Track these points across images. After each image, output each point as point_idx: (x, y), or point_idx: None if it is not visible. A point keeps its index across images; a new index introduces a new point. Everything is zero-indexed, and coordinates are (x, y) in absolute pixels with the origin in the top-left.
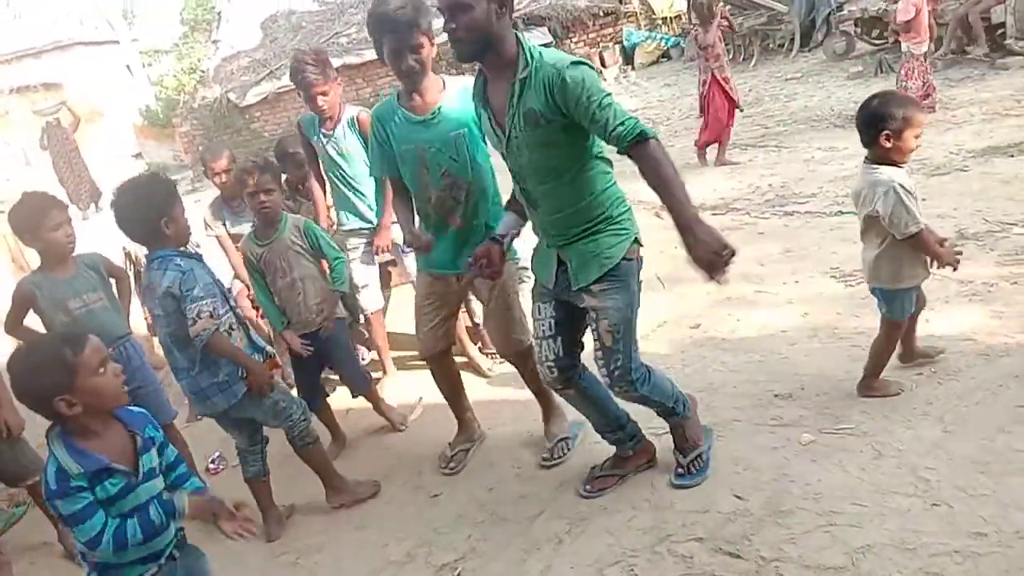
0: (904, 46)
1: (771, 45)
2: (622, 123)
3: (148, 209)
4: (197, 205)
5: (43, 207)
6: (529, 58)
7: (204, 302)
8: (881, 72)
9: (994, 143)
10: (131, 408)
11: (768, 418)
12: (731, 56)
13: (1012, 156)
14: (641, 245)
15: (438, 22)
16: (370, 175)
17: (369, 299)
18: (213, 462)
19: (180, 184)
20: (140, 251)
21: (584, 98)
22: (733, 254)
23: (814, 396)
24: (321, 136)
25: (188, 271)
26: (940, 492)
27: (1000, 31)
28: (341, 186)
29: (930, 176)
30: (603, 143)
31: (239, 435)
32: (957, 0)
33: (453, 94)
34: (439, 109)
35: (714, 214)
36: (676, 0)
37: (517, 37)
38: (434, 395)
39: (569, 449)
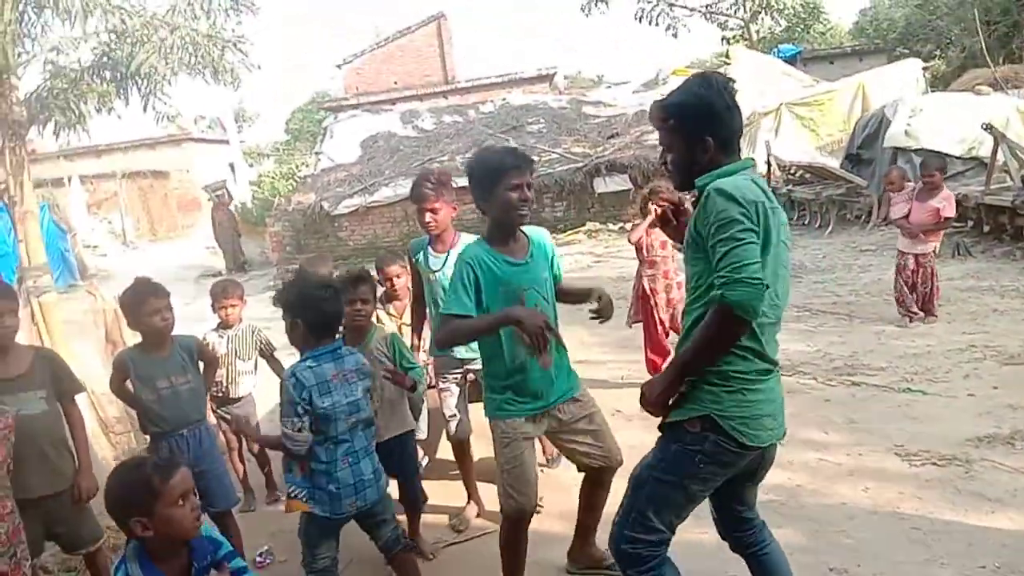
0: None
1: (848, 216)
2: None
3: None
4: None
5: (144, 293)
6: None
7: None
8: (959, 254)
9: None
10: (203, 534)
11: None
12: (807, 222)
13: None
14: (722, 428)
15: None
16: (445, 310)
17: (460, 428)
18: (261, 555)
19: (262, 280)
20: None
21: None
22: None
23: (870, 575)
24: (430, 258)
25: None
26: None
27: None
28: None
29: (1003, 364)
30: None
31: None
32: None
33: (535, 241)
34: (532, 253)
35: (781, 375)
36: (757, 162)
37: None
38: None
39: None
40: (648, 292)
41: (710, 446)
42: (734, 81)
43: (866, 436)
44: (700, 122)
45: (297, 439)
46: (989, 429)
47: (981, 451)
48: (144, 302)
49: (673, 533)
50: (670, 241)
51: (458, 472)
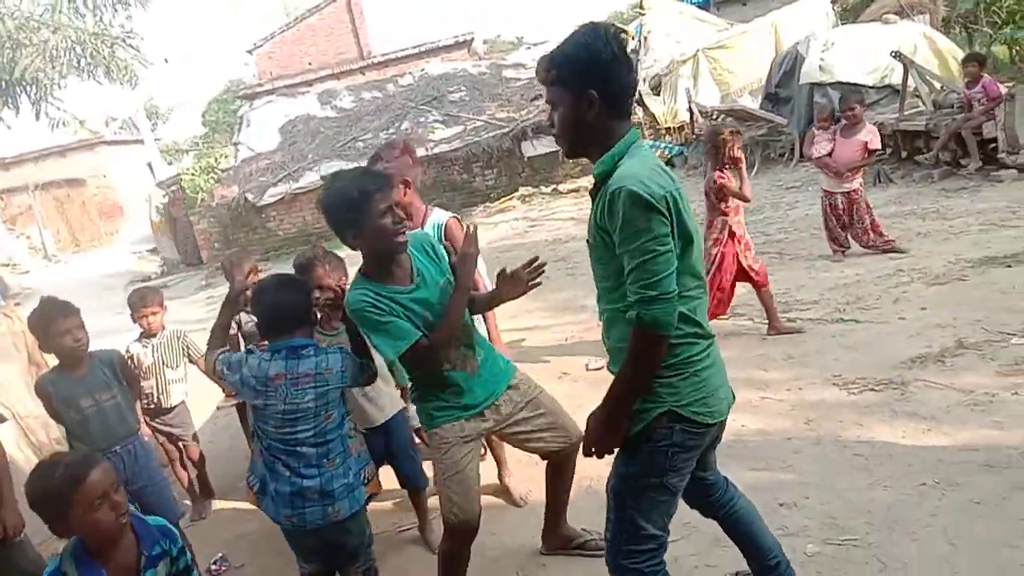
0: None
1: (772, 155)
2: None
3: None
4: (209, 301)
5: (51, 315)
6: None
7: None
8: (880, 182)
9: (991, 253)
10: (149, 520)
11: (774, 527)
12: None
13: (1010, 266)
14: (685, 417)
15: None
16: (395, 355)
17: None
18: (215, 563)
19: (195, 279)
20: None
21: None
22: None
23: (818, 505)
24: None
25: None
26: None
27: (992, 146)
28: None
29: (929, 285)
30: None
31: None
32: (950, 115)
33: (412, 250)
34: (416, 271)
35: (718, 319)
36: (679, 110)
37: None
38: None
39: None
40: (737, 240)
41: (679, 436)
42: (625, 32)
43: (805, 370)
44: (585, 74)
45: (223, 374)
46: (920, 350)
47: (914, 372)
48: (51, 323)
49: (667, 533)
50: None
51: None
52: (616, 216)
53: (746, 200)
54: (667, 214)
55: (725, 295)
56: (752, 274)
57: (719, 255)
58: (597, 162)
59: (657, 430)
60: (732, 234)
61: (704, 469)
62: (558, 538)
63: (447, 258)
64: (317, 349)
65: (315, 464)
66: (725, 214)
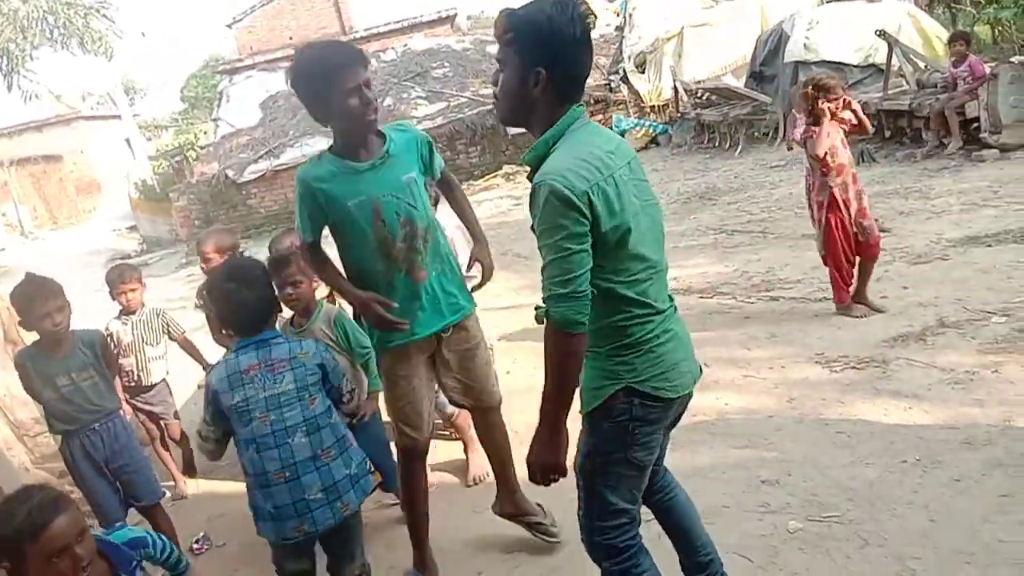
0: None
1: (756, 134)
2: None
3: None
4: (190, 279)
5: (33, 296)
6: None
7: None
8: (863, 161)
9: (973, 233)
10: (114, 539)
11: (756, 504)
12: (716, 144)
13: (990, 246)
14: (643, 392)
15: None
16: (303, 239)
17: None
18: (197, 542)
19: (173, 258)
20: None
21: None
22: (557, 479)
23: (801, 483)
24: None
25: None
26: None
27: (974, 125)
28: None
29: (911, 264)
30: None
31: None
32: (933, 95)
33: (395, 135)
34: (387, 152)
35: (701, 297)
36: (664, 88)
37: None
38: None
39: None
40: (841, 204)
41: (639, 410)
42: (594, 17)
43: (787, 348)
44: (541, 48)
45: (203, 446)
46: (902, 328)
47: (896, 350)
48: (32, 305)
49: (638, 505)
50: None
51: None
52: (537, 209)
53: (862, 130)
54: (587, 212)
55: (845, 272)
56: (858, 243)
57: (824, 221)
58: (531, 147)
59: (616, 406)
60: (834, 199)
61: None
62: (509, 504)
63: (436, 162)
64: (287, 338)
65: (310, 457)
66: (825, 174)
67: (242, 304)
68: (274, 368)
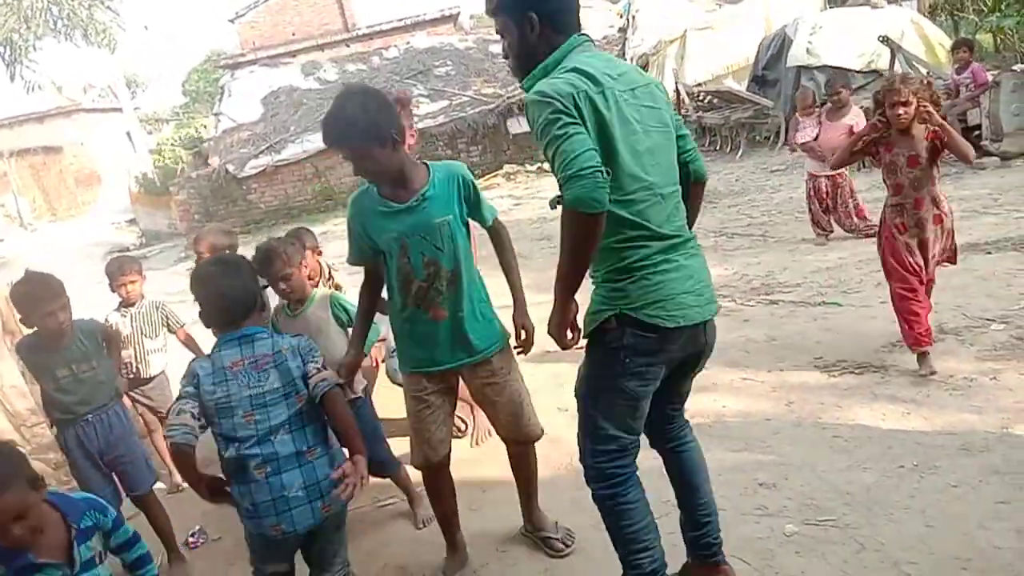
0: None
1: (757, 138)
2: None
3: None
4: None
5: (36, 297)
6: None
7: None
8: (864, 167)
9: (972, 240)
10: (71, 495)
11: (753, 507)
12: (718, 147)
13: (990, 253)
14: (636, 320)
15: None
16: (347, 261)
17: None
18: (193, 535)
19: (172, 252)
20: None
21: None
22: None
23: (798, 486)
24: None
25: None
26: None
27: (975, 132)
28: None
29: None
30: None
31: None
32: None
33: (437, 180)
34: (424, 195)
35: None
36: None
37: None
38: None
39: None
40: (891, 231)
41: (630, 339)
42: None
43: (786, 352)
44: None
45: (172, 423)
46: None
47: (894, 356)
48: (36, 305)
49: (634, 435)
50: (923, 152)
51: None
52: (531, 123)
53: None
54: (572, 110)
55: (919, 301)
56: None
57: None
58: (530, 75)
59: (608, 332)
60: (883, 220)
61: (676, 397)
62: (528, 520)
63: (483, 205)
64: (270, 333)
65: (294, 453)
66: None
67: (225, 294)
68: (259, 365)
